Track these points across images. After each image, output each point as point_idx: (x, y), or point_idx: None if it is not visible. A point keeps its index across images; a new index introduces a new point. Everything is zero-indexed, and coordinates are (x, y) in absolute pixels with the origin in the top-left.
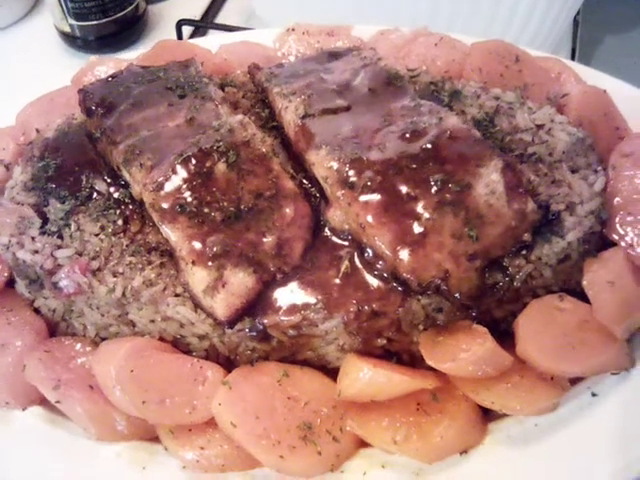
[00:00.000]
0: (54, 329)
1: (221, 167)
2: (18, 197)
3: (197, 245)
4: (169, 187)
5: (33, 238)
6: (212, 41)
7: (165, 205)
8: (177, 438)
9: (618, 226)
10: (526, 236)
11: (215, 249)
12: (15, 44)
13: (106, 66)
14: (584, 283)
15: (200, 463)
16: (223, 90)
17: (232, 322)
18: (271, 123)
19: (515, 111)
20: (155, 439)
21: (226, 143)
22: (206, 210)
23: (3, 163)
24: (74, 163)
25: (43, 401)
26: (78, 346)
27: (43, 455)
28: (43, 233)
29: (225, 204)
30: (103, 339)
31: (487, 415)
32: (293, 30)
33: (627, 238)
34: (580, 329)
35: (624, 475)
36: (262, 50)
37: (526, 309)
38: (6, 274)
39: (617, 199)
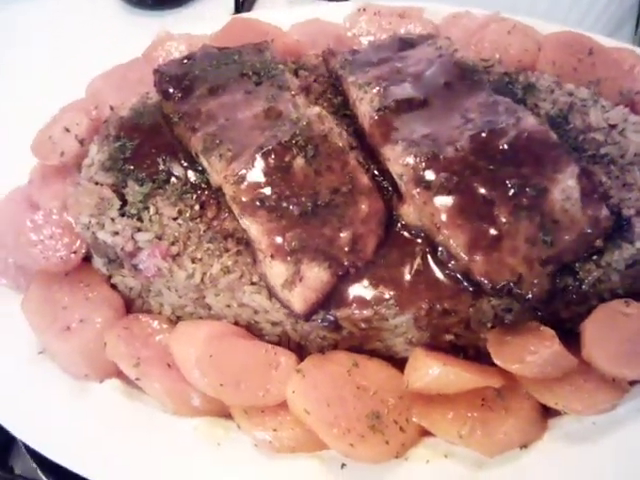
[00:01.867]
0: (130, 305)
1: (299, 161)
2: (96, 177)
3: (276, 239)
4: (250, 180)
5: (113, 219)
6: (282, 17)
7: (245, 198)
8: (250, 418)
9: None
10: (598, 242)
11: (293, 244)
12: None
13: (176, 41)
14: None
15: (272, 444)
16: (297, 73)
17: (308, 315)
18: (343, 111)
19: (588, 109)
20: (229, 415)
21: (304, 137)
22: (284, 204)
23: (78, 138)
24: (151, 145)
25: (120, 374)
26: (155, 324)
27: (121, 427)
28: (122, 215)
29: (303, 199)
30: (178, 317)
31: (547, 411)
32: (364, 10)
33: None
34: None
35: None
36: (333, 29)
37: (593, 314)
38: (84, 250)
39: None
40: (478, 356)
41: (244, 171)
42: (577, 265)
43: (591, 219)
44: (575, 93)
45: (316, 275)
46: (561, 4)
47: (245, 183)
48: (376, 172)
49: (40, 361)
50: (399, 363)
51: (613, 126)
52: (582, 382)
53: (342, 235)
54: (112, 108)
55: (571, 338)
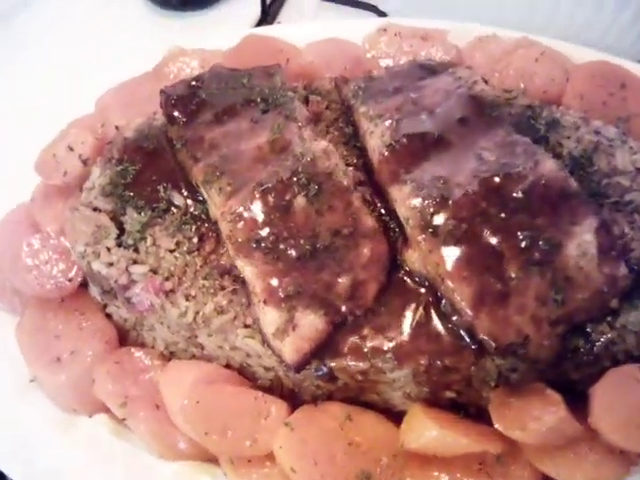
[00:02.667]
0: (125, 336)
1: (300, 201)
2: (95, 202)
3: (270, 284)
4: (247, 219)
5: (109, 249)
6: (300, 33)
7: (242, 238)
8: (237, 468)
9: None
10: (614, 302)
11: (288, 289)
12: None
13: (189, 57)
14: None
15: None
16: (307, 99)
17: (300, 366)
18: (355, 142)
19: (615, 149)
20: (216, 461)
21: (307, 174)
22: (282, 247)
23: (81, 158)
24: (153, 171)
25: (109, 410)
26: (147, 360)
27: (102, 466)
28: (119, 244)
29: (302, 241)
30: (171, 353)
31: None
32: (385, 31)
33: None
34: None
35: None
36: (351, 50)
37: (603, 379)
38: (79, 279)
39: None
40: (480, 414)
41: (241, 209)
42: (590, 326)
43: (608, 278)
44: (602, 131)
45: (310, 323)
46: (600, 20)
47: (242, 222)
48: (383, 211)
49: (31, 390)
50: (396, 416)
51: None
52: (587, 451)
53: (341, 281)
54: (117, 128)
55: (579, 400)
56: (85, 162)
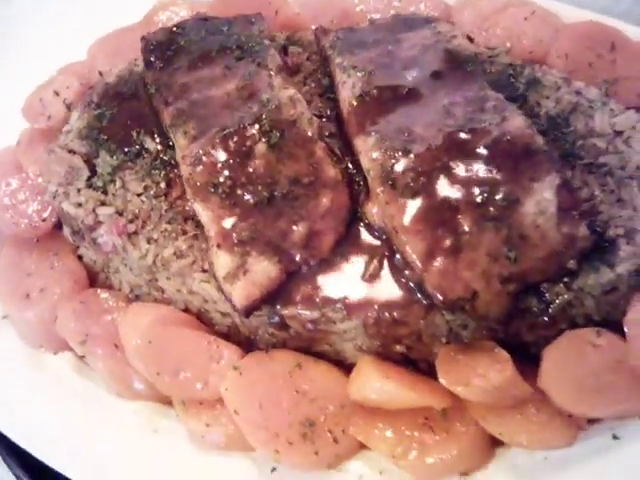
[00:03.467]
0: (95, 278)
1: (261, 147)
2: (71, 144)
3: (225, 228)
4: (206, 163)
5: (79, 190)
6: None
7: (200, 182)
8: (187, 410)
9: None
10: (571, 263)
11: (243, 235)
12: None
13: (178, 7)
14: (625, 320)
15: (204, 438)
16: (286, 50)
17: (248, 311)
18: (330, 94)
19: (595, 111)
20: (171, 403)
21: (270, 121)
22: (239, 192)
23: (65, 102)
24: (128, 116)
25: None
26: (112, 301)
27: (63, 402)
28: (89, 186)
29: (260, 188)
30: (137, 296)
31: (496, 440)
32: None
33: None
34: (611, 370)
35: None
36: (340, 3)
37: (557, 340)
38: (53, 219)
39: None
40: (431, 371)
41: (201, 153)
42: (545, 286)
43: (566, 238)
44: (583, 92)
45: (263, 270)
46: None
47: (201, 166)
48: (351, 165)
49: (2, 326)
50: (348, 369)
51: (619, 133)
52: (534, 413)
53: (298, 230)
54: (101, 74)
55: (533, 364)
56: (69, 107)
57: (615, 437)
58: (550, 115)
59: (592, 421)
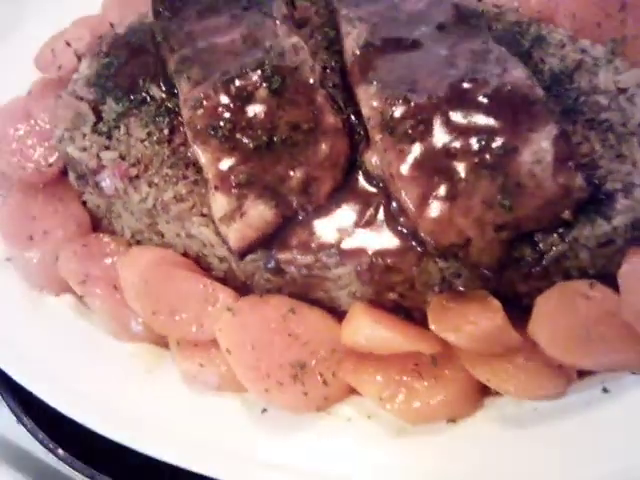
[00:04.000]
0: (99, 224)
1: (262, 93)
2: (79, 91)
3: (223, 171)
4: (207, 107)
5: (84, 135)
6: None
7: (200, 125)
8: (182, 351)
9: None
10: (566, 214)
11: (240, 178)
12: None
13: None
14: (619, 273)
15: (197, 379)
16: (294, 3)
17: (243, 253)
18: (337, 47)
19: (599, 68)
20: (167, 346)
21: (273, 67)
22: (239, 136)
23: (77, 53)
24: (135, 65)
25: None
26: (113, 245)
27: (62, 341)
28: (95, 131)
29: (259, 132)
30: (138, 242)
31: (486, 389)
32: None
33: None
34: (603, 322)
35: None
36: None
37: (549, 290)
38: (60, 165)
39: None
40: (424, 321)
41: (203, 96)
42: (539, 236)
43: (561, 188)
44: (588, 50)
45: (260, 213)
46: None
47: (202, 109)
48: (352, 116)
49: (5, 268)
50: (342, 316)
51: (623, 90)
52: (523, 363)
53: (296, 175)
54: (112, 25)
55: (526, 315)
56: (80, 57)
57: (605, 390)
58: (554, 72)
59: (583, 374)
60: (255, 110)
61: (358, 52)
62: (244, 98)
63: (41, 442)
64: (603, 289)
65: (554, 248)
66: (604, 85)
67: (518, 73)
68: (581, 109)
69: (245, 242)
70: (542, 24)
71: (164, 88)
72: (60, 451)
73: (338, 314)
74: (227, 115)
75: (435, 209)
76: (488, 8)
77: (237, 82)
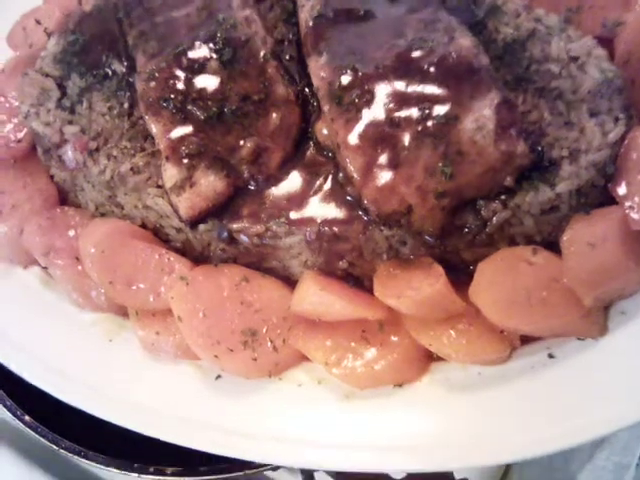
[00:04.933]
0: (66, 198)
1: (214, 64)
2: (45, 68)
3: (173, 141)
4: (159, 79)
5: (49, 110)
6: None
7: (152, 97)
8: (140, 320)
9: (624, 184)
10: (508, 180)
11: (190, 148)
12: None
13: None
14: (562, 239)
15: (154, 346)
16: None
17: (193, 223)
18: (295, 19)
19: (552, 37)
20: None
21: (224, 39)
22: (190, 107)
23: (47, 31)
24: (100, 41)
25: None
26: (78, 218)
27: (27, 311)
28: (59, 106)
29: (210, 103)
30: (102, 215)
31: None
32: None
33: (631, 199)
34: (545, 287)
35: (555, 444)
36: None
37: (492, 255)
38: (29, 140)
39: (633, 154)
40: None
41: (155, 69)
42: (481, 203)
43: (503, 154)
44: (543, 19)
45: (210, 183)
46: None
47: (154, 81)
48: (307, 89)
49: None
50: (295, 285)
51: (574, 58)
52: (465, 327)
53: (246, 145)
54: (80, 2)
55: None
56: (50, 35)
57: (551, 356)
58: (507, 41)
59: (528, 341)
60: (206, 82)
61: (311, 23)
62: (195, 70)
63: (9, 409)
64: (546, 255)
65: (497, 215)
66: (556, 53)
67: (464, 42)
68: (532, 77)
69: (195, 211)
70: None
71: (126, 63)
72: (27, 417)
73: (292, 283)
74: (178, 87)
75: (378, 177)
76: None
77: (188, 54)
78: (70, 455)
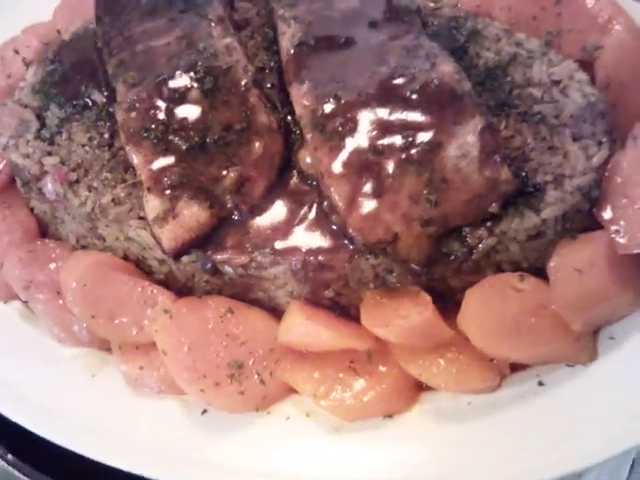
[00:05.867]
0: (46, 230)
1: (195, 94)
2: (24, 99)
3: (155, 172)
4: (139, 109)
5: (28, 142)
6: None
7: (133, 128)
8: (123, 354)
9: (609, 208)
10: (493, 207)
11: (173, 179)
12: None
13: None
14: (549, 265)
15: (138, 381)
16: (233, 4)
17: (177, 254)
18: (275, 46)
19: (533, 61)
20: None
21: (205, 68)
22: (171, 137)
23: (25, 61)
24: (79, 70)
25: None
26: (59, 251)
27: (7, 347)
28: (38, 138)
29: (192, 133)
30: (83, 247)
31: (422, 384)
32: None
33: (616, 223)
34: (533, 314)
35: (547, 473)
36: None
37: (479, 283)
38: (8, 172)
39: (617, 178)
40: (359, 318)
41: (135, 99)
42: (466, 230)
43: (488, 181)
44: (524, 44)
45: (193, 214)
46: None
47: (135, 112)
48: (289, 117)
49: None
50: (282, 316)
51: (556, 82)
52: (454, 356)
53: (229, 175)
54: (59, 32)
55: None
56: (28, 65)
57: (540, 384)
58: (488, 66)
59: (517, 369)
60: (188, 111)
61: (292, 51)
62: (176, 99)
63: None
64: (533, 281)
65: (483, 242)
66: (538, 78)
67: (446, 68)
68: (514, 102)
69: (178, 243)
70: (479, 18)
71: (105, 93)
72: (9, 456)
73: (278, 314)
74: (160, 117)
75: (363, 206)
76: (425, 4)
77: (169, 83)
78: None
